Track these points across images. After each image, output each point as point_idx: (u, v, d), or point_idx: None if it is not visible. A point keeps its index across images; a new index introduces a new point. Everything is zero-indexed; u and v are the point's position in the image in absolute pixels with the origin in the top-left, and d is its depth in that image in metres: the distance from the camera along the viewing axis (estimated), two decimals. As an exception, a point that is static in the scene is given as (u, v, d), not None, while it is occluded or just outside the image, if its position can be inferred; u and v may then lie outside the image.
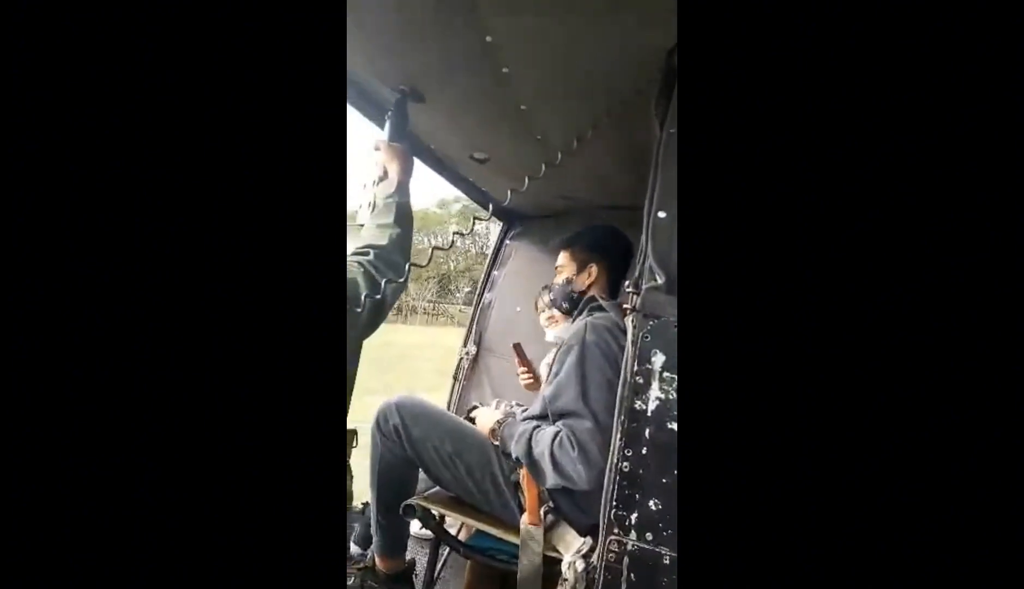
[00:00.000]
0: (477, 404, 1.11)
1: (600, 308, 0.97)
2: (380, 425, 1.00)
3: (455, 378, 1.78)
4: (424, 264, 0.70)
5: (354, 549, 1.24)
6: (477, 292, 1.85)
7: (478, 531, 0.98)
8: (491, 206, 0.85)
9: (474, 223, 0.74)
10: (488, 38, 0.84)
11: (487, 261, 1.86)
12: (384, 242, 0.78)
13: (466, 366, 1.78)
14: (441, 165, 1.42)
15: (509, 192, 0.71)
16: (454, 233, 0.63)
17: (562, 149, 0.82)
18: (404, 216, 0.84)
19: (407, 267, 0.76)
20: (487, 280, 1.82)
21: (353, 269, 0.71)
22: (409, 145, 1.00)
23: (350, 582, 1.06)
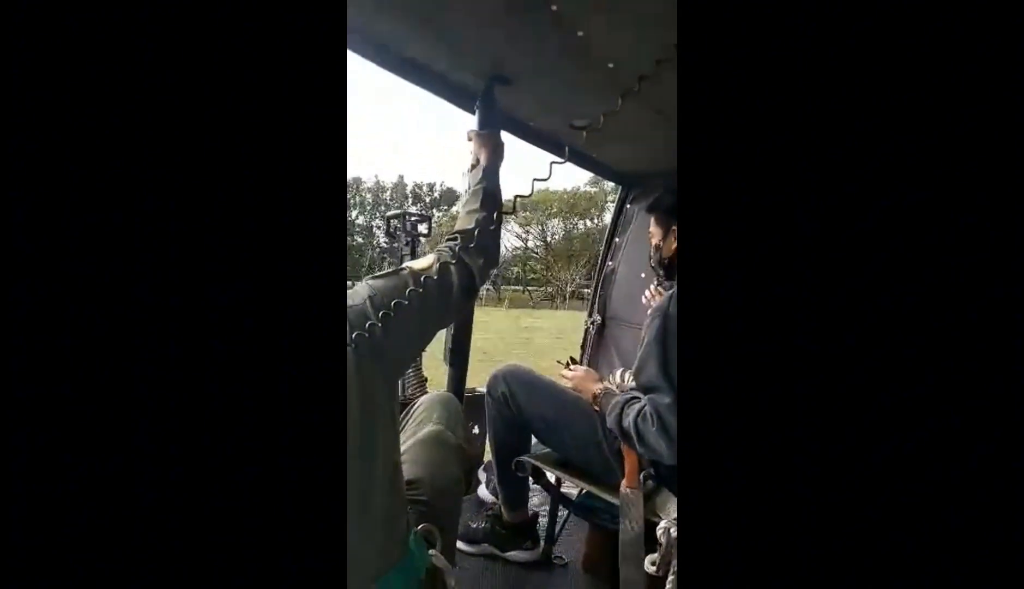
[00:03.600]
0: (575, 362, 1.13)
1: None
2: (490, 392, 1.11)
3: (582, 348, 1.82)
4: (529, 194, 0.76)
5: (487, 496, 1.40)
6: (600, 260, 1.83)
7: (587, 491, 1.02)
8: (567, 149, 0.84)
9: (551, 168, 0.76)
10: (553, 7, 0.83)
11: (608, 227, 1.82)
12: (471, 227, 0.83)
13: (592, 335, 1.79)
14: (548, 142, 1.44)
15: (584, 134, 0.72)
16: (533, 180, 0.66)
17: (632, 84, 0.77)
18: (490, 200, 0.88)
19: (497, 248, 0.81)
20: (608, 247, 1.79)
21: (444, 255, 0.78)
22: (499, 130, 1.05)
23: (481, 525, 1.21)
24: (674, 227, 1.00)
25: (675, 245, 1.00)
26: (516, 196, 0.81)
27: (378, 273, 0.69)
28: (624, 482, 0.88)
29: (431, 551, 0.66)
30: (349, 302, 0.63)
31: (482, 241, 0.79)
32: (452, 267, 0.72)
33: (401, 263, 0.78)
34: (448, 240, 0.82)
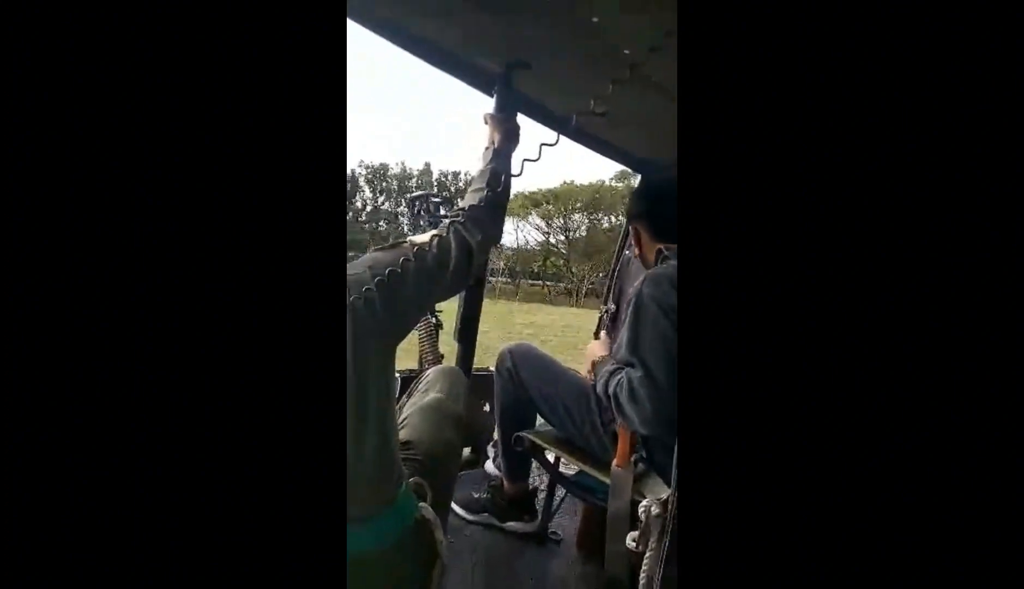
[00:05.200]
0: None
1: (666, 259, 0.96)
2: (498, 367, 1.16)
3: (595, 335, 1.84)
4: (518, 174, 0.79)
5: (492, 470, 1.45)
6: (616, 249, 1.84)
7: (581, 470, 1.05)
8: (558, 135, 0.87)
9: (541, 150, 0.78)
10: (567, -8, 0.84)
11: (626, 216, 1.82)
12: (475, 203, 0.86)
13: (607, 323, 1.81)
14: (565, 126, 1.45)
15: (575, 117, 0.73)
16: (524, 160, 0.68)
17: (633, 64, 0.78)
18: (496, 179, 0.90)
19: (498, 225, 0.85)
20: (627, 236, 1.79)
21: (446, 229, 0.81)
22: (515, 115, 1.08)
23: (483, 495, 1.26)
24: (632, 228, 1.09)
25: (637, 243, 1.08)
26: (524, 160, 0.83)
27: (382, 245, 0.73)
28: (616, 461, 0.91)
29: (420, 503, 0.71)
30: (351, 270, 0.68)
31: (481, 216, 0.81)
32: (451, 240, 0.75)
33: None
34: (451, 216, 0.86)
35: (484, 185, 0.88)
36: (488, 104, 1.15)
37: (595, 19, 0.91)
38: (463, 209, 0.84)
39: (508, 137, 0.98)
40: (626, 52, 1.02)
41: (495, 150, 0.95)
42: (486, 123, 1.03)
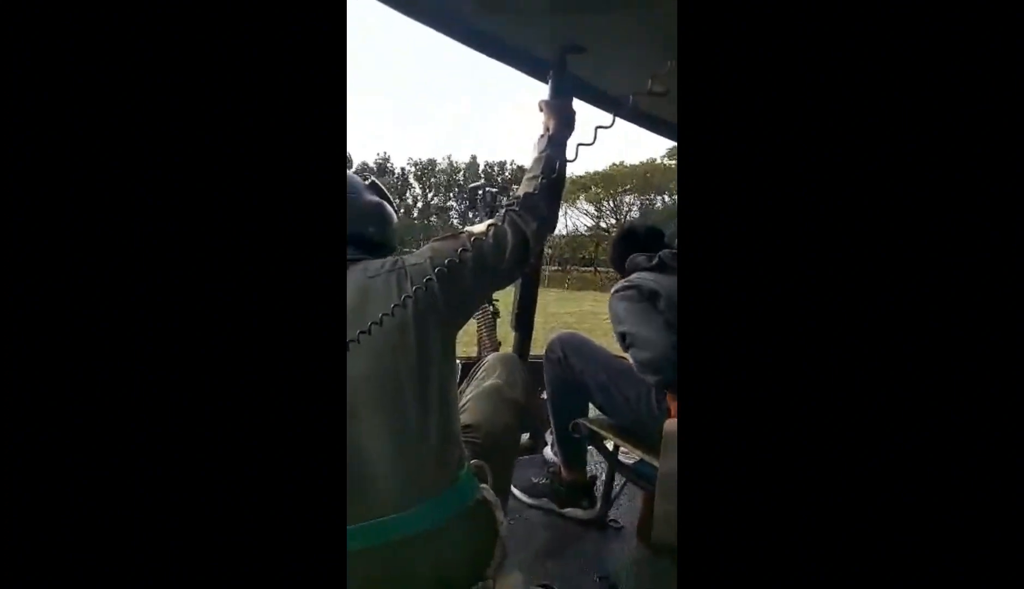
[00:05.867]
0: None
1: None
2: (548, 355, 1.17)
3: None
4: (573, 159, 0.80)
5: (551, 456, 1.46)
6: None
7: (641, 459, 1.04)
8: (614, 117, 0.85)
9: (596, 133, 0.77)
10: (621, -31, 0.82)
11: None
12: (530, 191, 0.86)
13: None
14: (623, 109, 1.41)
15: (650, 81, 0.71)
16: (578, 144, 0.68)
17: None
18: (551, 167, 0.89)
19: (554, 212, 0.85)
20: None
21: (502, 219, 0.82)
22: (571, 100, 1.06)
23: (543, 481, 1.28)
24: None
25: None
26: (578, 144, 0.82)
27: (441, 236, 0.76)
28: (670, 420, 0.90)
29: (482, 485, 0.73)
30: (412, 261, 0.71)
31: (536, 204, 0.81)
32: (507, 229, 0.76)
33: None
34: (507, 206, 0.86)
35: (539, 173, 0.88)
36: (541, 90, 1.14)
37: (651, -6, 0.88)
38: (518, 198, 0.84)
39: (563, 123, 0.96)
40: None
41: (550, 137, 0.94)
42: (541, 110, 1.01)
